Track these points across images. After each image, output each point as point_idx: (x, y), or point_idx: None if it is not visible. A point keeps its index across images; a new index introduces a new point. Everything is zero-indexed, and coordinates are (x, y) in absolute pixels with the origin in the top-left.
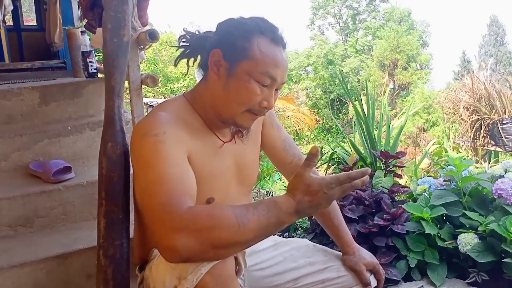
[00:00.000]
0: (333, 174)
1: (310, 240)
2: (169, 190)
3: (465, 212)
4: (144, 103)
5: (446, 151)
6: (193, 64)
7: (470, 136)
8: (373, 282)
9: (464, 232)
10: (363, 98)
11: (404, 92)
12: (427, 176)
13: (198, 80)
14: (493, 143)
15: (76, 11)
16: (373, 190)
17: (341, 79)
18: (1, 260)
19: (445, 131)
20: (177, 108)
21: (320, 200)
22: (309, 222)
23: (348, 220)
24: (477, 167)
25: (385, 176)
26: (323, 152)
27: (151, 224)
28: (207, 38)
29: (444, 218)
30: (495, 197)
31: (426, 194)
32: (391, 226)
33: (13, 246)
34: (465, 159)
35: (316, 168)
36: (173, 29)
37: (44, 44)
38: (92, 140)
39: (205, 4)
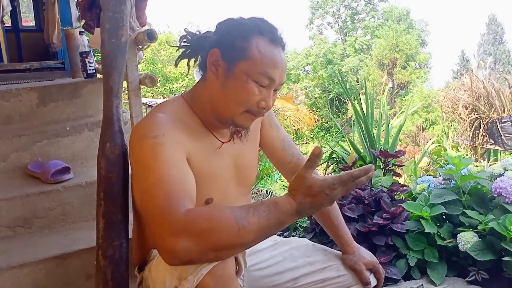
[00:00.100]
0: (335, 174)
1: (309, 240)
2: (168, 193)
3: (465, 210)
4: (143, 103)
5: (445, 150)
6: (194, 64)
7: (469, 135)
8: (373, 281)
9: (464, 231)
10: (362, 97)
11: (403, 91)
12: (427, 175)
13: (197, 80)
14: (492, 142)
15: (75, 12)
16: (373, 189)
17: (340, 79)
18: (0, 261)
19: (444, 130)
20: (175, 109)
21: (321, 200)
22: (308, 222)
23: (348, 219)
24: (476, 166)
25: (384, 175)
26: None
27: (151, 227)
28: (206, 38)
29: (444, 216)
30: (495, 195)
31: (426, 193)
32: (390, 225)
33: (12, 247)
34: (464, 157)
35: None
36: (172, 29)
37: (42, 44)
38: (90, 140)
39: (204, 4)
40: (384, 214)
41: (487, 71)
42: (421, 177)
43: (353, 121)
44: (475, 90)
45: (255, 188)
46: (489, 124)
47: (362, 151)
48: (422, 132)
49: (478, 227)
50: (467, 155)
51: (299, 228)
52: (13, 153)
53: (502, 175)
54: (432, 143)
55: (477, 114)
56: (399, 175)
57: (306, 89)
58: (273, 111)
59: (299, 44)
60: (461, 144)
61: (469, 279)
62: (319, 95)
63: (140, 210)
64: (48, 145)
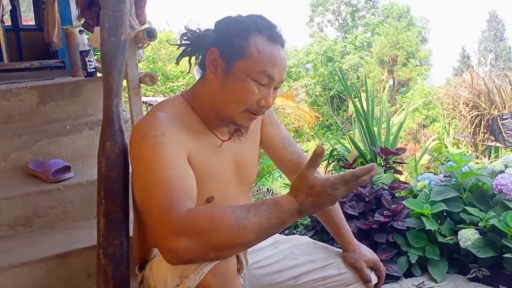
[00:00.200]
0: (338, 174)
1: (310, 237)
2: (169, 192)
3: (466, 207)
4: (144, 101)
5: (446, 147)
6: (195, 62)
7: (470, 132)
8: (374, 279)
9: (465, 228)
10: (363, 95)
11: (404, 89)
12: (427, 172)
13: (197, 79)
14: (493, 139)
15: (74, 11)
16: (373, 186)
17: (341, 76)
18: (1, 259)
19: (445, 127)
20: (175, 108)
21: (323, 200)
22: (309, 219)
23: (349, 217)
24: (477, 163)
25: (385, 172)
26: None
27: (152, 226)
28: (206, 36)
29: (445, 214)
30: (496, 192)
31: (427, 190)
32: (391, 223)
33: (13, 246)
34: (465, 154)
35: None
36: (172, 27)
37: (42, 43)
38: (91, 139)
39: (204, 2)
40: (385, 212)
41: (488, 67)
42: (422, 174)
43: (354, 118)
44: (476, 87)
45: (255, 186)
46: (490, 121)
47: (362, 148)
48: (423, 129)
49: (479, 224)
50: (468, 152)
51: (300, 226)
52: (14, 152)
53: (503, 172)
54: (433, 140)
55: (478, 111)
56: (400, 173)
57: (307, 86)
58: (273, 109)
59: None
60: (462, 141)
61: (470, 276)
62: (319, 92)
63: (141, 209)
64: (48, 144)
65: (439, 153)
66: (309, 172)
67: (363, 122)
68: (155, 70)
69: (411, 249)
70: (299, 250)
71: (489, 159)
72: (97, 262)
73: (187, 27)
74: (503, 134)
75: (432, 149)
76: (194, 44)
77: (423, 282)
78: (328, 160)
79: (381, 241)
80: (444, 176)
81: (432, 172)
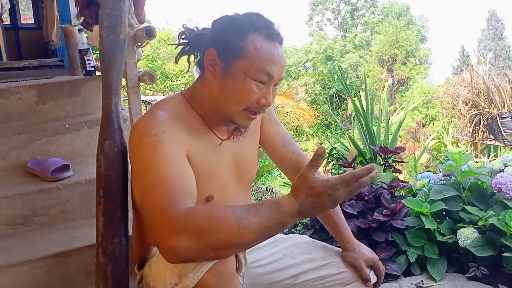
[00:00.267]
0: (338, 174)
1: (309, 236)
2: (169, 191)
3: (465, 206)
4: (143, 100)
5: (446, 146)
6: (194, 60)
7: (469, 131)
8: (373, 278)
9: (464, 227)
10: (362, 94)
11: (403, 87)
12: (427, 171)
13: (196, 77)
14: (492, 138)
15: (73, 9)
16: (373, 185)
17: (340, 75)
18: (0, 258)
19: (445, 126)
20: (175, 107)
21: (324, 201)
22: (308, 218)
23: (348, 216)
24: (477, 162)
25: (384, 171)
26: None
27: (152, 225)
28: (203, 35)
29: (444, 213)
30: (495, 191)
31: (426, 189)
32: (390, 221)
33: (12, 245)
34: (464, 153)
35: None
36: (171, 26)
37: (41, 42)
38: (90, 138)
39: (204, 1)
40: (384, 211)
41: (487, 66)
42: (421, 173)
43: (353, 117)
44: (475, 85)
45: (255, 185)
46: (489, 120)
47: (362, 147)
48: (422, 128)
49: (478, 223)
50: (467, 151)
51: (299, 224)
52: (13, 151)
53: (502, 171)
54: (432, 139)
55: (477, 110)
56: (399, 172)
57: (306, 85)
58: (273, 108)
59: (298, 41)
60: (461, 140)
61: (469, 275)
62: (319, 91)
63: (140, 208)
64: (47, 143)
65: (439, 152)
66: (310, 172)
67: (363, 121)
68: (154, 69)
69: (410, 248)
70: (298, 249)
71: (488, 158)
72: (96, 261)
73: (185, 26)
74: (502, 133)
75: (432, 148)
76: (192, 43)
77: (422, 281)
78: (328, 159)
79: (380, 240)
80: (444, 175)
81: (431, 171)
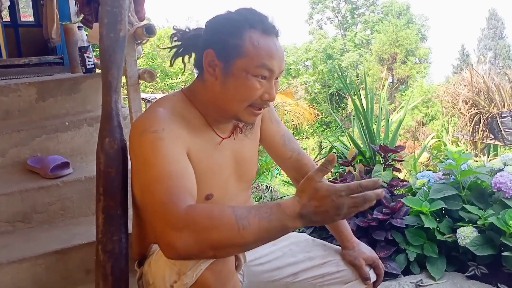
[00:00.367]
0: (344, 183)
1: (309, 235)
2: (169, 188)
3: (464, 205)
4: (143, 98)
5: (445, 145)
6: (189, 60)
7: (469, 130)
8: (373, 276)
9: (463, 226)
10: (362, 93)
11: (403, 86)
12: (426, 170)
13: (196, 74)
14: (492, 137)
15: (73, 6)
16: None
17: (340, 74)
18: (0, 255)
19: (444, 125)
20: (175, 104)
21: (327, 207)
22: None
23: None
24: (476, 161)
25: (384, 170)
26: (322, 147)
27: (152, 221)
28: (198, 36)
29: (443, 211)
30: (494, 190)
31: (425, 188)
32: (390, 220)
33: (12, 242)
34: (464, 152)
35: (315, 162)
36: (171, 24)
37: (41, 39)
38: (90, 135)
39: None
40: (384, 209)
41: (487, 66)
42: (421, 172)
43: (353, 116)
44: (475, 85)
45: (254, 183)
46: (489, 119)
47: (362, 146)
48: (422, 127)
49: (478, 222)
50: (467, 150)
51: None
52: (12, 148)
53: (502, 170)
54: (432, 138)
55: (477, 109)
56: (399, 170)
57: (306, 84)
58: (273, 106)
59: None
60: (461, 139)
61: (468, 274)
62: (318, 90)
63: (141, 205)
64: (47, 140)
65: (438, 151)
66: (317, 176)
67: (363, 120)
68: (154, 67)
69: (409, 247)
70: (298, 247)
71: (488, 157)
72: (96, 258)
73: (175, 27)
74: (502, 132)
75: (431, 147)
76: (186, 44)
77: (422, 279)
78: None
79: (379, 238)
80: (443, 174)
81: (431, 170)
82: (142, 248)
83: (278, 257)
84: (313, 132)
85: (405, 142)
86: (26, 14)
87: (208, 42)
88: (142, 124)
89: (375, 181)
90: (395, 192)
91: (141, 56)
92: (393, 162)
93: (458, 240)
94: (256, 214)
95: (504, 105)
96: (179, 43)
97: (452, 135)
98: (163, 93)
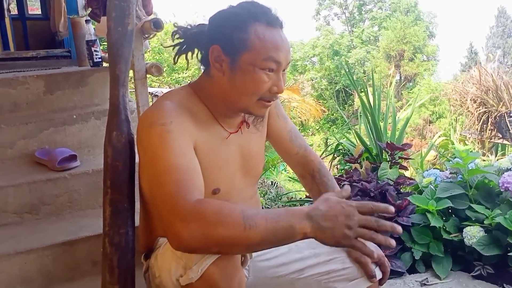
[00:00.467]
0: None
1: None
2: (178, 181)
3: (471, 205)
4: (149, 92)
5: (453, 144)
6: (192, 57)
7: (477, 129)
8: (378, 274)
9: (470, 225)
10: (369, 89)
11: (410, 84)
12: (433, 169)
13: (202, 70)
14: (500, 136)
15: (81, 0)
16: (379, 182)
17: (347, 70)
18: (8, 246)
19: (452, 123)
20: (182, 98)
21: (336, 212)
22: None
23: None
24: (484, 160)
25: (390, 168)
26: (328, 143)
27: (161, 213)
28: (201, 32)
29: (450, 210)
30: (502, 190)
31: (432, 187)
32: (396, 218)
33: (19, 233)
34: (471, 151)
35: (322, 158)
36: (178, 18)
37: (49, 33)
38: (97, 129)
39: None
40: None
41: (496, 64)
42: (427, 170)
43: (360, 113)
44: (484, 83)
45: (260, 179)
46: (497, 118)
47: (368, 143)
48: (429, 125)
49: (485, 222)
50: (474, 149)
51: None
52: (20, 141)
53: (510, 169)
54: (439, 136)
55: (485, 107)
56: (406, 168)
57: (313, 80)
58: (280, 102)
59: (305, 35)
60: (469, 137)
61: (474, 274)
62: (325, 86)
63: (149, 197)
64: (55, 133)
65: (446, 149)
66: (331, 193)
67: (370, 117)
68: (161, 61)
69: (415, 245)
70: (304, 244)
71: (495, 156)
72: (102, 250)
73: (176, 25)
74: (511, 131)
75: (439, 145)
76: (190, 41)
77: (427, 278)
78: (334, 155)
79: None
80: (450, 173)
81: (438, 169)
82: (148, 241)
83: (284, 253)
84: (319, 129)
85: (412, 140)
86: (34, 7)
87: (213, 38)
88: (150, 116)
89: (387, 206)
90: (401, 190)
91: (148, 50)
92: (399, 160)
93: (465, 240)
94: (264, 215)
95: None
96: (182, 40)
97: (460, 134)
98: (169, 88)
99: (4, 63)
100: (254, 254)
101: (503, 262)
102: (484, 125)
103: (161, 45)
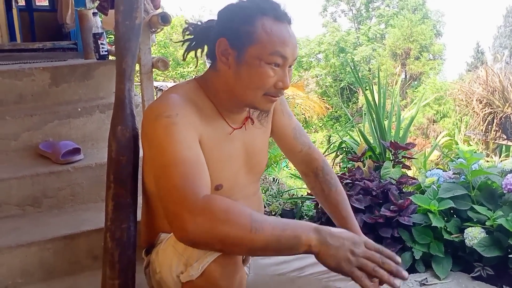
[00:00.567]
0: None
1: None
2: (185, 173)
3: (473, 206)
4: (154, 86)
5: (457, 144)
6: (201, 54)
7: (482, 129)
8: None
9: (471, 226)
10: (374, 87)
11: (416, 83)
12: (436, 169)
13: (207, 65)
14: (505, 137)
15: None
16: (381, 180)
17: (352, 68)
18: (9, 239)
19: (456, 123)
20: (188, 91)
21: (344, 236)
22: (315, 211)
23: (355, 210)
24: (488, 161)
25: (393, 167)
26: (331, 141)
27: (166, 204)
28: (210, 27)
29: (452, 211)
30: (505, 192)
31: (435, 187)
32: (397, 218)
33: (21, 225)
34: (475, 152)
35: (324, 156)
36: (184, 12)
37: (55, 24)
38: (102, 122)
39: None
40: (392, 206)
41: (503, 64)
42: (430, 170)
43: (364, 111)
44: (490, 84)
45: (262, 175)
46: (502, 119)
47: (372, 142)
48: (433, 124)
49: (486, 223)
50: (478, 149)
51: (305, 217)
52: (25, 133)
53: None
54: (443, 136)
55: (491, 108)
56: (408, 168)
57: (317, 77)
58: (285, 99)
59: (312, 32)
60: (473, 138)
61: (474, 275)
62: (330, 83)
63: (152, 191)
64: (59, 125)
65: (449, 149)
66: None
67: (374, 115)
68: (167, 55)
69: (416, 245)
70: None
71: (499, 157)
72: (104, 245)
73: (187, 21)
74: None
75: (442, 145)
76: (199, 37)
77: (426, 278)
78: (336, 153)
79: (386, 235)
80: (453, 173)
81: (441, 169)
82: (150, 236)
83: None
84: (323, 126)
85: (415, 139)
86: None
87: (221, 31)
88: (156, 109)
89: (394, 255)
90: (403, 189)
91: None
92: (403, 159)
93: (466, 240)
94: (272, 222)
95: None
96: (191, 36)
97: (464, 134)
98: (174, 82)
99: (10, 54)
100: None
101: (504, 263)
102: (489, 126)
103: (170, 39)
